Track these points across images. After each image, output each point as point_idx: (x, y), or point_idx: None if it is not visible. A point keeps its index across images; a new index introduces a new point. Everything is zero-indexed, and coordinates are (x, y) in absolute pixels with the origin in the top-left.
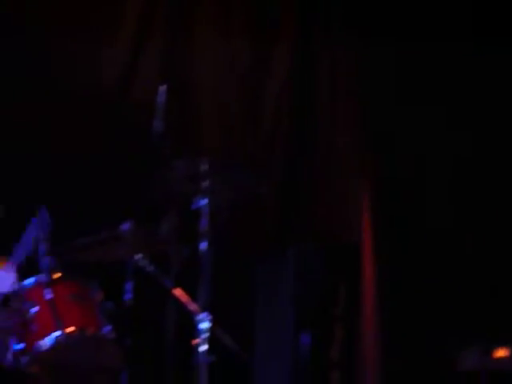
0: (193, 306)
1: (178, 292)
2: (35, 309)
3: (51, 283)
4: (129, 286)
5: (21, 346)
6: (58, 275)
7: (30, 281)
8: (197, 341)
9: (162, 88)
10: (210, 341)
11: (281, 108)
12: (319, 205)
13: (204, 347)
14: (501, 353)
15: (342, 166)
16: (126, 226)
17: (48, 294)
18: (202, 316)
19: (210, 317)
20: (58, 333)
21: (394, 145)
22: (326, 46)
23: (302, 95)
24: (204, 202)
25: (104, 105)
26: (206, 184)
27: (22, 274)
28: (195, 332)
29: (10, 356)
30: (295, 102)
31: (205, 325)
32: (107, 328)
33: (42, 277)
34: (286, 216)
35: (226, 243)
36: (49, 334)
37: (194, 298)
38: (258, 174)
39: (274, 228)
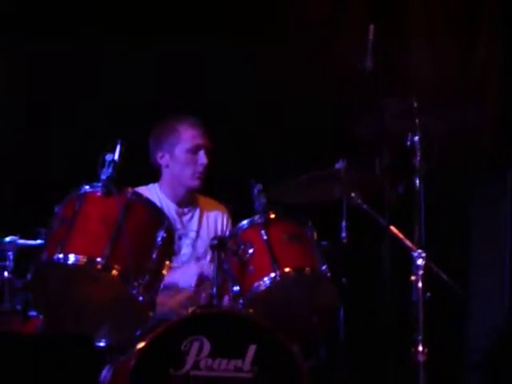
0: (408, 243)
1: (393, 229)
2: (251, 250)
3: (266, 224)
4: (344, 224)
5: (237, 288)
6: (272, 215)
7: (245, 222)
8: (413, 278)
9: (371, 27)
10: (426, 277)
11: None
12: None
13: (420, 284)
14: None
15: None
16: (339, 165)
17: (263, 235)
18: (417, 253)
19: (425, 253)
20: (274, 273)
21: None
22: None
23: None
24: (416, 138)
25: (314, 44)
26: (418, 121)
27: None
28: (411, 269)
29: (227, 299)
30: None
31: (420, 261)
32: (323, 267)
33: (257, 218)
34: (503, 140)
35: (440, 178)
36: (265, 275)
37: (409, 235)
38: (472, 106)
39: (490, 153)
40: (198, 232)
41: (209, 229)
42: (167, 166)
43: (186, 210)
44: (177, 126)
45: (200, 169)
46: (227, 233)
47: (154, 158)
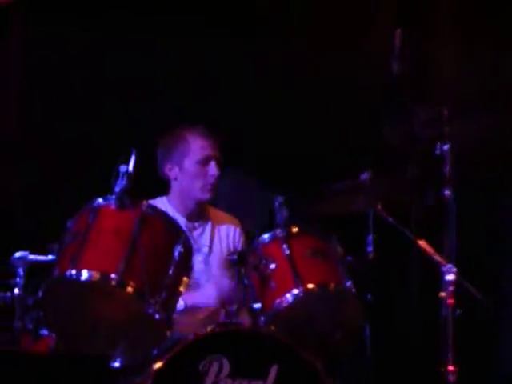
0: (438, 258)
1: (422, 243)
2: (273, 265)
3: (288, 238)
4: (370, 238)
5: (259, 304)
6: (295, 229)
7: (266, 236)
8: (443, 294)
9: (398, 32)
10: (456, 293)
11: None
12: None
13: (450, 300)
14: None
15: None
16: (365, 176)
17: (286, 250)
18: (447, 267)
19: (456, 268)
20: (297, 290)
21: None
22: None
23: None
24: (446, 147)
25: (342, 49)
26: (448, 129)
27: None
28: (441, 284)
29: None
30: None
31: (451, 277)
32: (348, 283)
33: (279, 231)
34: None
35: (471, 188)
36: (288, 291)
37: (438, 249)
38: (501, 115)
39: None
40: (210, 247)
41: (221, 243)
42: (176, 179)
43: (196, 224)
44: (186, 136)
45: (211, 180)
46: (239, 248)
47: (162, 171)
